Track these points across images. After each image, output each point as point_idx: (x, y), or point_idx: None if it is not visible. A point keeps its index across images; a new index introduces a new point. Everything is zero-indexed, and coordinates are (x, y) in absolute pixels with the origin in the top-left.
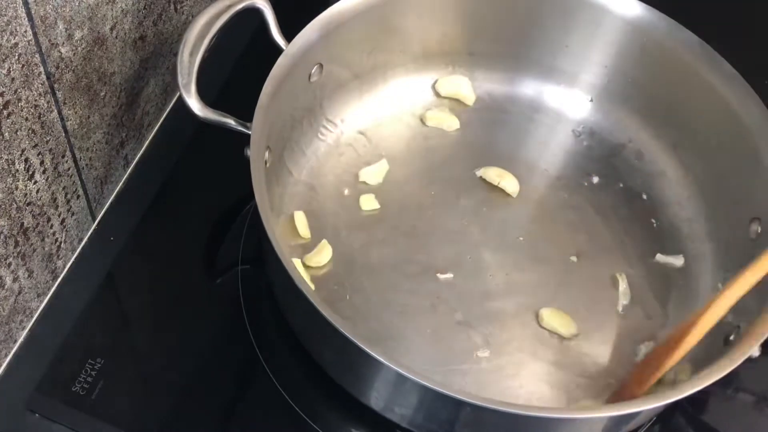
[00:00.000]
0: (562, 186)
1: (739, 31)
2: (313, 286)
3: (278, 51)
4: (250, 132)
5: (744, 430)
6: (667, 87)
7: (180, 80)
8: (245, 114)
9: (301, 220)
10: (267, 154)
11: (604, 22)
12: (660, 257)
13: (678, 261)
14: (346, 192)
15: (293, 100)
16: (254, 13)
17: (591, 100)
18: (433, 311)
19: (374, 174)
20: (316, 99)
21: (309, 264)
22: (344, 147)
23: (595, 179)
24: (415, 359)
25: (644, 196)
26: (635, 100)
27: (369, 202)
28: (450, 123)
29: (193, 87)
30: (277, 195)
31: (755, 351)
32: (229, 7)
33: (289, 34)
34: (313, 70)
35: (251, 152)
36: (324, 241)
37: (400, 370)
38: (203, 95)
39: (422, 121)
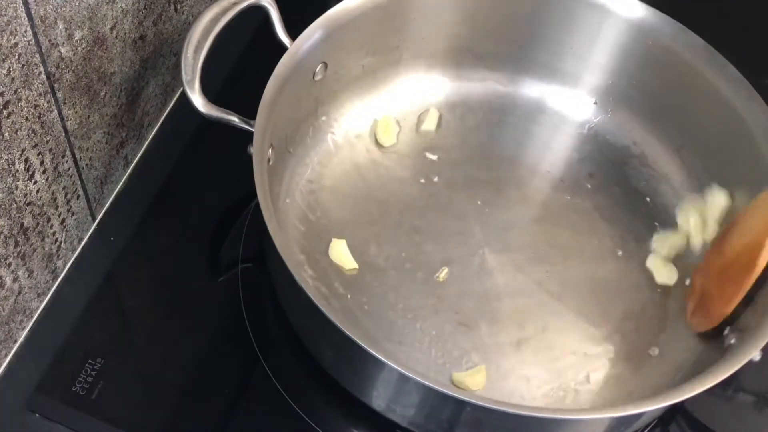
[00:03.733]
0: (565, 188)
1: (742, 32)
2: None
3: (282, 49)
4: (253, 129)
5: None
6: (671, 89)
7: (184, 77)
8: (248, 112)
9: (339, 249)
10: (270, 152)
11: (608, 23)
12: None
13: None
14: (348, 191)
15: (297, 98)
16: (258, 11)
17: (595, 102)
18: (434, 311)
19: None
20: (320, 98)
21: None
22: (347, 146)
23: (598, 181)
24: (416, 359)
25: (647, 199)
26: (639, 103)
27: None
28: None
29: (197, 84)
30: (279, 193)
31: (756, 355)
32: (234, 4)
33: (293, 33)
34: (317, 69)
35: (254, 149)
36: (482, 367)
37: (402, 370)
38: (206, 92)
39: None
